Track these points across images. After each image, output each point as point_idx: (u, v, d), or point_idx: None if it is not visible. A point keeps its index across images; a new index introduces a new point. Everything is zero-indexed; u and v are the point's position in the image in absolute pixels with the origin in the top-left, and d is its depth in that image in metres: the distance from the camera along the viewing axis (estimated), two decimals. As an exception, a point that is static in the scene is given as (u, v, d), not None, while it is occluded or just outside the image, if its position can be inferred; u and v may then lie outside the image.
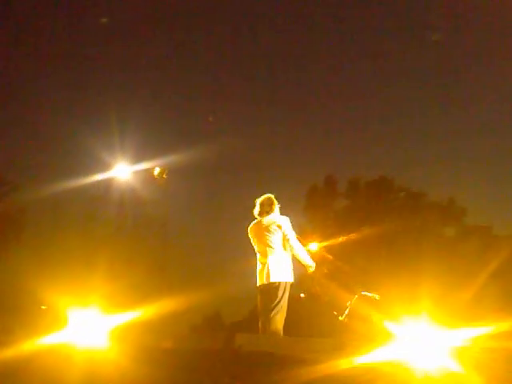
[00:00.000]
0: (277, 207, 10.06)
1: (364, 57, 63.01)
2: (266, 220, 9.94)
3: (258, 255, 9.96)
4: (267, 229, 9.86)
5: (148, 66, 56.91)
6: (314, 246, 33.02)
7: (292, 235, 9.79)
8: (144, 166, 22.78)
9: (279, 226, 9.78)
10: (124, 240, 28.68)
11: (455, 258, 33.24)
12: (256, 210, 10.08)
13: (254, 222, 10.13)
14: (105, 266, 22.62)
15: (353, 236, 33.59)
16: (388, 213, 36.12)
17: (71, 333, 7.17)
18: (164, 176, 20.17)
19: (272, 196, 10.14)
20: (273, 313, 9.58)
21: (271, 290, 9.71)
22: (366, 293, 9.83)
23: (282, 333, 9.52)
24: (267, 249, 9.80)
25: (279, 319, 9.62)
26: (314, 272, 9.80)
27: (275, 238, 9.80)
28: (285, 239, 9.76)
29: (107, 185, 26.70)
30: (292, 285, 9.78)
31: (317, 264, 10.09)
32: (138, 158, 24.19)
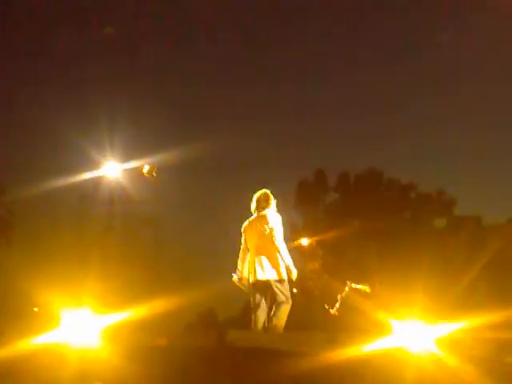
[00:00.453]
0: (273, 202, 10.03)
1: (355, 50, 63.01)
2: (259, 216, 9.95)
3: (250, 253, 9.96)
4: (259, 225, 9.86)
5: (138, 62, 56.84)
6: (305, 241, 33.06)
7: (279, 236, 9.69)
8: (134, 164, 22.75)
9: (267, 223, 9.75)
10: (115, 239, 28.63)
11: (446, 250, 33.31)
12: (252, 206, 10.07)
13: (249, 219, 10.14)
14: (97, 266, 22.58)
15: (343, 230, 33.63)
16: (378, 205, 36.14)
17: (64, 333, 7.16)
18: (154, 174, 20.13)
19: (268, 191, 10.10)
20: (272, 311, 9.60)
21: (263, 287, 9.73)
22: (356, 285, 9.86)
23: (281, 330, 9.53)
24: (258, 245, 9.82)
25: (280, 316, 9.61)
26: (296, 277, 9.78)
27: (265, 236, 9.74)
28: (270, 235, 9.69)
29: (97, 183, 26.61)
30: (284, 281, 9.77)
31: (308, 258, 10.10)
32: (127, 156, 24.14)
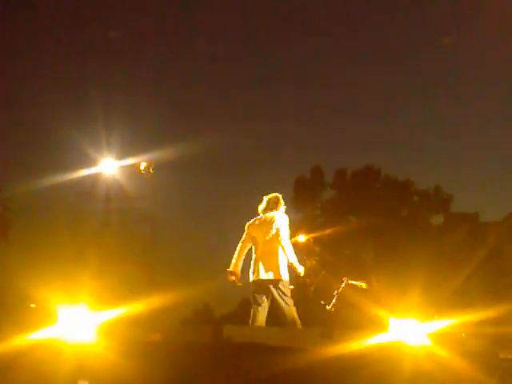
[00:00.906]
0: (282, 207, 10.15)
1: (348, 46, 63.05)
2: (266, 216, 10.04)
3: (254, 252, 10.02)
4: (265, 225, 9.96)
5: (135, 60, 56.84)
6: (302, 238, 33.06)
7: (285, 235, 9.77)
8: (130, 161, 22.76)
9: (275, 223, 9.84)
10: (112, 235, 28.64)
11: (443, 246, 33.35)
12: (261, 206, 10.18)
13: (255, 218, 10.21)
14: (93, 262, 22.58)
15: (340, 226, 33.66)
16: (375, 202, 36.16)
17: (60, 329, 7.18)
18: (151, 170, 20.14)
19: (280, 196, 10.24)
20: (285, 315, 9.63)
21: (264, 286, 9.78)
22: (352, 282, 9.89)
23: (299, 325, 9.61)
24: (262, 245, 9.89)
25: (291, 315, 9.64)
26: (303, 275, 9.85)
27: (271, 235, 9.85)
28: (277, 235, 9.79)
29: (94, 180, 26.61)
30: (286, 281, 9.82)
31: (305, 255, 10.13)
32: (124, 153, 24.16)
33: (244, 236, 10.18)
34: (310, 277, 10.09)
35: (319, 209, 37.71)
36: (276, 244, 9.78)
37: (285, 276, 9.75)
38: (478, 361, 7.44)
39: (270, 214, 10.02)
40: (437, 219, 37.94)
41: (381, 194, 37.53)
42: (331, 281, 10.03)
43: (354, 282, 9.91)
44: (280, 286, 9.67)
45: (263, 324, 9.66)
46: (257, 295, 9.82)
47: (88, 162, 25.16)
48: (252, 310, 9.82)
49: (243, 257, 10.10)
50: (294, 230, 10.11)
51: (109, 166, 24.26)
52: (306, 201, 36.42)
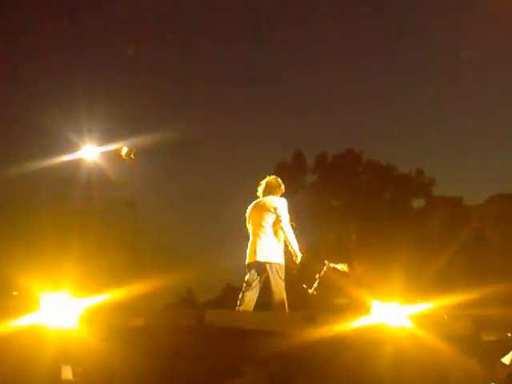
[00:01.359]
0: (282, 191, 10.27)
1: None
2: (265, 200, 10.08)
3: (251, 234, 10.07)
4: (264, 208, 10.00)
5: (116, 44, 56.53)
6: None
7: (285, 218, 9.86)
8: (112, 146, 22.64)
9: (275, 208, 9.88)
10: (94, 222, 28.53)
11: (425, 230, 33.48)
12: (260, 189, 10.24)
13: (253, 202, 10.24)
14: (75, 249, 22.49)
15: (322, 210, 33.76)
16: (357, 186, 36.24)
17: (43, 315, 7.16)
18: (132, 156, 19.98)
19: (279, 179, 10.34)
20: (271, 296, 9.66)
21: (260, 268, 9.82)
22: (334, 265, 9.90)
23: (286, 308, 9.65)
24: (260, 228, 9.93)
25: (281, 297, 9.68)
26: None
27: (269, 219, 9.92)
28: (277, 220, 9.86)
29: (75, 166, 26.47)
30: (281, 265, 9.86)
31: (287, 241, 10.14)
32: (105, 139, 24.04)
33: (248, 225, 10.22)
34: (292, 261, 10.09)
35: (301, 193, 37.72)
36: (274, 228, 9.89)
37: (281, 260, 9.84)
38: (460, 343, 7.48)
39: (269, 198, 10.07)
40: (419, 203, 38.11)
41: (362, 178, 37.63)
42: (313, 265, 10.04)
43: (335, 265, 9.92)
44: (277, 268, 9.75)
45: (251, 307, 9.68)
46: (250, 278, 9.86)
47: (69, 147, 25.04)
48: (241, 293, 9.84)
49: None
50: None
51: (90, 152, 24.14)
52: (287, 185, 36.33)
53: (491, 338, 8.56)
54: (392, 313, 7.61)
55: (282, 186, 10.28)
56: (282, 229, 9.85)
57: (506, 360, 8.04)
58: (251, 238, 10.04)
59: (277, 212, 9.85)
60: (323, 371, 7.02)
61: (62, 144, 25.84)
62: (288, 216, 9.93)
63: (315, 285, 9.75)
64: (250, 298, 9.78)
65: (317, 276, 9.80)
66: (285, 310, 9.57)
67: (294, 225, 10.13)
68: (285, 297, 9.69)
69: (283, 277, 9.81)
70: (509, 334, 8.85)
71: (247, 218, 10.21)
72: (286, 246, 9.93)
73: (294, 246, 9.86)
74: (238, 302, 9.78)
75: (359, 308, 8.19)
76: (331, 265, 9.89)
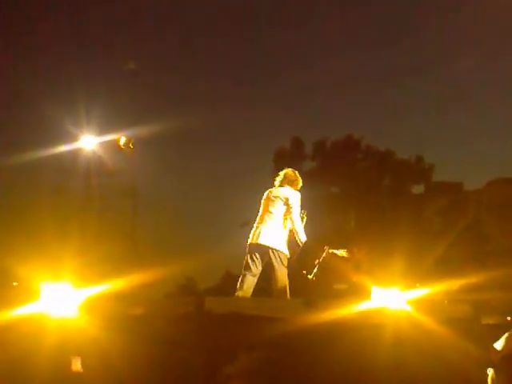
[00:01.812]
0: (299, 185, 10.33)
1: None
2: (280, 190, 10.16)
3: (258, 218, 10.14)
4: (276, 197, 10.08)
5: (115, 34, 56.56)
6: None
7: (296, 210, 9.98)
8: (110, 136, 22.65)
9: (287, 198, 9.96)
10: (93, 211, 28.58)
11: (424, 215, 33.51)
12: (278, 179, 10.31)
13: (270, 189, 10.31)
14: (75, 238, 22.54)
15: (322, 197, 33.74)
16: (356, 172, 36.24)
17: (43, 305, 7.17)
18: (131, 146, 20.03)
19: (297, 172, 10.46)
20: (277, 284, 9.70)
21: (262, 251, 9.88)
22: (334, 250, 9.92)
23: (288, 295, 9.71)
24: (268, 214, 10.01)
25: (283, 284, 9.73)
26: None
27: (279, 208, 10.01)
28: (288, 211, 9.96)
29: (74, 156, 26.49)
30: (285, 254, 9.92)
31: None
32: (104, 129, 24.06)
33: (261, 206, 10.28)
34: (291, 248, 10.12)
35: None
36: (282, 218, 10.01)
37: (286, 250, 9.94)
38: (460, 326, 7.49)
39: (283, 189, 10.15)
40: (418, 189, 38.12)
41: (361, 165, 37.62)
42: (312, 251, 10.06)
43: (335, 251, 9.94)
44: (281, 256, 9.82)
45: (249, 294, 9.71)
46: (251, 261, 9.89)
47: (68, 137, 25.05)
48: (241, 277, 9.88)
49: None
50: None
51: (89, 142, 24.16)
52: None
53: (490, 321, 8.60)
54: (392, 298, 7.62)
55: (300, 180, 10.36)
56: (291, 219, 9.96)
57: (499, 343, 8.08)
58: (258, 221, 10.09)
59: (288, 203, 9.96)
60: (324, 356, 7.03)
61: (61, 134, 25.87)
62: (299, 209, 10.04)
63: (315, 270, 9.78)
64: (249, 284, 9.82)
65: (316, 262, 9.83)
66: (286, 297, 9.61)
67: (304, 217, 10.21)
68: (287, 284, 9.73)
69: (286, 264, 9.87)
70: (508, 318, 8.89)
71: (261, 204, 10.28)
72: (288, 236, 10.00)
73: (302, 237, 9.95)
74: (238, 286, 9.82)
75: (359, 293, 8.21)
76: (331, 250, 9.92)
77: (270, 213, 9.99)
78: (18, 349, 6.74)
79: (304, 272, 9.90)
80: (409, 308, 7.63)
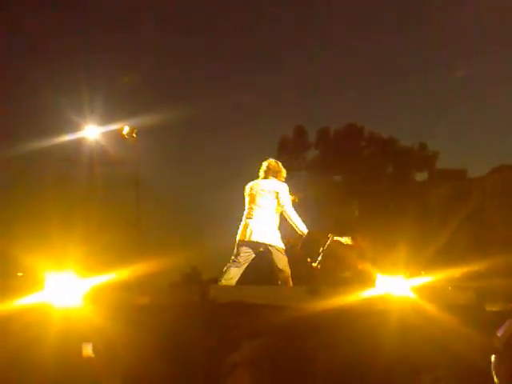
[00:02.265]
0: (283, 176, 10.22)
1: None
2: (266, 183, 10.05)
3: (248, 211, 10.05)
4: (264, 191, 9.97)
5: (118, 23, 56.52)
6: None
7: (288, 203, 9.93)
8: (113, 126, 22.66)
9: (277, 193, 9.90)
10: (97, 201, 28.58)
11: (428, 203, 33.50)
12: (262, 171, 10.18)
13: (253, 181, 10.19)
14: (79, 228, 22.54)
15: (325, 185, 33.76)
16: (359, 160, 36.23)
17: (48, 295, 7.19)
18: (134, 135, 20.08)
19: (280, 163, 10.30)
20: (284, 275, 9.72)
21: (253, 248, 9.88)
22: (338, 238, 9.92)
23: (291, 283, 9.73)
24: (261, 210, 9.91)
25: (287, 275, 9.75)
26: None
27: (271, 203, 9.93)
28: (279, 206, 9.91)
29: (77, 145, 26.49)
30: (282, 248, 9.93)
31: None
32: (107, 119, 24.08)
33: (247, 200, 10.19)
34: (295, 236, 10.13)
35: (303, 168, 37.71)
36: (275, 212, 9.95)
37: (282, 244, 9.92)
38: (463, 313, 7.51)
39: (271, 182, 10.05)
40: (422, 176, 38.11)
41: (364, 152, 37.60)
42: (316, 238, 10.07)
43: (339, 239, 9.94)
44: (278, 249, 9.83)
45: (233, 283, 9.72)
46: (241, 255, 9.89)
47: (71, 127, 25.06)
48: (226, 268, 9.87)
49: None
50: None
51: (92, 131, 24.19)
52: (289, 161, 36.37)
53: (494, 308, 8.61)
54: (396, 285, 7.64)
55: (283, 170, 10.25)
56: (286, 214, 9.94)
57: (501, 330, 8.10)
58: (247, 216, 10.02)
59: (279, 197, 9.89)
60: (329, 343, 7.06)
61: (65, 124, 25.88)
62: (289, 198, 10.00)
63: (319, 258, 9.78)
64: (234, 274, 9.83)
65: (321, 250, 9.83)
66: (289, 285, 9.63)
67: (297, 199, 10.19)
68: (289, 274, 9.74)
69: (284, 254, 9.87)
70: (511, 305, 8.90)
71: (247, 197, 10.17)
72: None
73: (302, 228, 9.95)
74: (222, 276, 9.83)
75: (363, 281, 8.23)
76: (335, 238, 9.92)
77: (261, 207, 9.91)
78: (22, 338, 6.76)
79: (309, 260, 9.91)
80: (413, 295, 7.65)
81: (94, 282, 7.41)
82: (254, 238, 9.78)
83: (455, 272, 9.30)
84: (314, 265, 9.80)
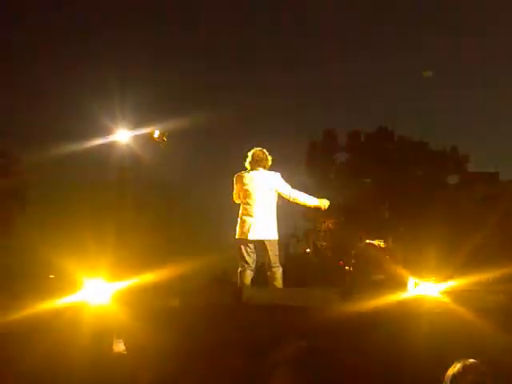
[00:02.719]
0: (269, 162, 10.12)
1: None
2: (260, 175, 10.01)
3: (244, 207, 10.01)
4: (260, 184, 9.94)
5: (150, 27, 56.67)
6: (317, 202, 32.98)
7: (288, 188, 9.96)
8: (144, 130, 22.75)
9: (271, 184, 9.91)
10: (128, 205, 28.71)
11: (460, 206, 33.28)
12: (249, 162, 10.09)
13: (245, 173, 10.10)
14: (111, 232, 22.66)
15: (355, 189, 33.67)
16: (390, 163, 36.11)
17: (81, 297, 7.26)
18: (164, 138, 20.06)
19: (265, 150, 10.17)
20: (274, 269, 9.72)
21: (258, 245, 9.93)
22: (370, 241, 9.92)
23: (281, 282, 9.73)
24: (260, 205, 9.88)
25: (279, 272, 9.77)
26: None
27: (270, 196, 9.92)
28: (282, 195, 9.96)
29: (108, 149, 26.63)
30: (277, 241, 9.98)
31: (320, 219, 10.17)
32: (138, 122, 24.17)
33: (236, 189, 10.16)
34: (326, 239, 10.14)
35: (333, 172, 37.64)
36: (274, 204, 9.92)
37: (277, 235, 9.92)
38: (496, 317, 7.49)
39: (262, 174, 9.99)
40: (453, 179, 37.89)
41: (395, 156, 37.44)
42: (348, 242, 10.07)
43: (372, 242, 9.94)
44: (275, 244, 9.90)
45: (249, 285, 9.74)
46: (246, 254, 9.92)
47: (102, 131, 25.21)
48: (240, 270, 9.89)
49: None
50: (309, 194, 10.08)
51: (123, 135, 24.31)
52: (319, 165, 36.29)
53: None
54: (428, 288, 7.62)
55: (269, 158, 10.13)
56: (291, 198, 9.99)
57: None
58: (243, 213, 9.99)
59: (276, 187, 9.93)
60: (361, 346, 7.06)
61: (96, 128, 26.01)
62: (286, 183, 9.98)
63: (352, 261, 9.77)
64: (249, 278, 9.90)
65: (353, 252, 9.83)
66: (280, 284, 9.71)
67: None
68: (281, 277, 9.83)
69: (277, 254, 9.95)
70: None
71: (241, 192, 10.11)
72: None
73: (313, 202, 10.07)
74: (239, 281, 9.84)
75: (396, 284, 8.22)
76: (367, 241, 9.91)
77: (257, 202, 9.89)
78: (60, 335, 6.84)
79: (341, 262, 9.92)
80: (444, 298, 7.63)
81: (125, 284, 7.48)
82: (255, 236, 9.82)
83: (487, 275, 9.25)
84: (347, 268, 9.80)
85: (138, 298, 7.50)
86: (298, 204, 10.02)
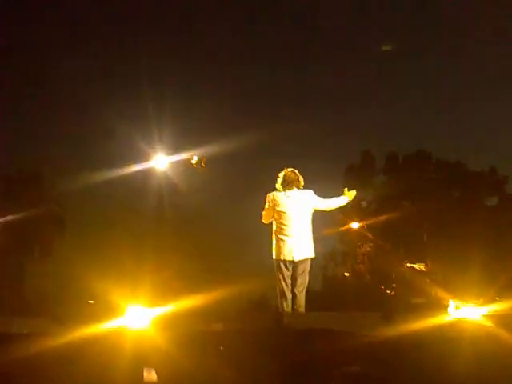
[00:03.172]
0: (302, 182, 10.09)
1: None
2: (295, 194, 9.93)
3: (280, 227, 9.89)
4: (296, 204, 9.87)
5: (186, 53, 57.13)
6: (356, 225, 32.92)
7: (322, 202, 10.02)
8: (182, 155, 22.87)
9: (307, 202, 9.89)
10: (166, 230, 28.80)
11: (498, 227, 32.99)
12: (281, 184, 10.00)
13: (279, 193, 9.99)
14: (150, 257, 22.76)
15: (394, 211, 33.49)
16: (428, 186, 35.93)
17: (121, 322, 7.28)
18: (202, 164, 20.21)
19: (296, 170, 10.11)
20: (300, 290, 9.69)
21: (297, 266, 9.81)
22: (411, 264, 9.87)
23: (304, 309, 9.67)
24: (293, 224, 9.80)
25: (304, 296, 9.74)
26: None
27: (306, 215, 9.90)
28: (319, 210, 10.02)
29: (146, 175, 26.79)
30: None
31: (358, 242, 10.15)
32: (176, 148, 24.29)
33: (268, 207, 10.05)
34: (364, 263, 10.11)
35: (371, 194, 37.51)
36: (307, 224, 9.89)
37: (313, 254, 9.89)
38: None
39: (297, 193, 9.93)
40: (491, 201, 37.62)
41: (433, 177, 37.26)
42: (388, 265, 10.03)
43: (412, 265, 9.89)
44: (310, 263, 9.84)
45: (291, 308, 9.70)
46: (285, 276, 9.78)
47: (140, 157, 25.38)
48: (280, 292, 9.78)
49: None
50: (347, 217, 10.10)
51: (161, 161, 24.45)
52: (357, 187, 36.04)
53: None
54: (470, 311, 7.54)
55: (301, 178, 10.06)
56: (326, 208, 10.08)
57: None
58: (285, 234, 9.83)
59: (315, 206, 9.97)
60: (401, 369, 7.00)
61: (134, 154, 26.22)
62: (318, 197, 10.02)
63: (393, 285, 9.73)
64: (289, 302, 9.77)
65: (394, 276, 9.78)
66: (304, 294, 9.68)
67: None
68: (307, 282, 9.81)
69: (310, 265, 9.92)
70: None
71: (276, 214, 9.98)
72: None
73: (344, 201, 10.21)
74: (281, 305, 9.75)
75: (437, 307, 8.16)
76: (408, 264, 9.87)
77: (294, 223, 9.80)
78: (96, 364, 6.84)
79: (382, 287, 9.87)
80: (487, 322, 7.54)
81: (165, 309, 7.50)
82: (293, 257, 9.71)
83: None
84: (388, 291, 9.74)
85: (178, 323, 7.50)
86: (330, 210, 10.07)
